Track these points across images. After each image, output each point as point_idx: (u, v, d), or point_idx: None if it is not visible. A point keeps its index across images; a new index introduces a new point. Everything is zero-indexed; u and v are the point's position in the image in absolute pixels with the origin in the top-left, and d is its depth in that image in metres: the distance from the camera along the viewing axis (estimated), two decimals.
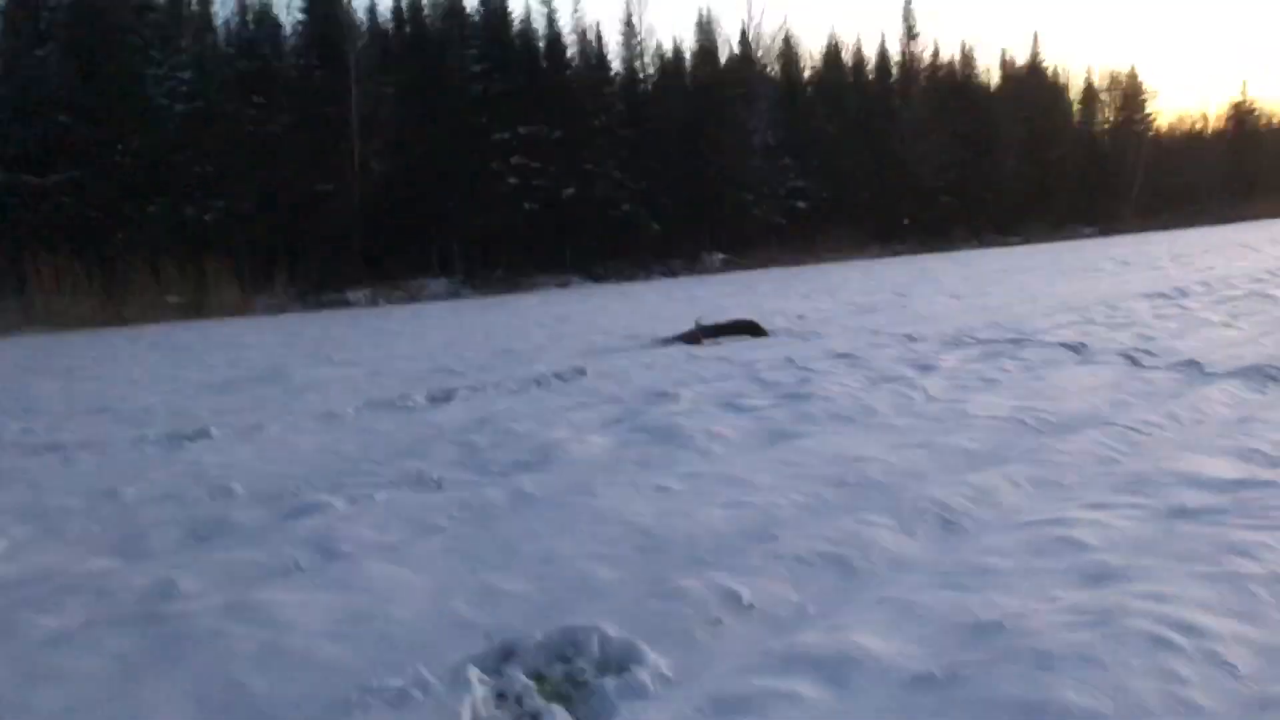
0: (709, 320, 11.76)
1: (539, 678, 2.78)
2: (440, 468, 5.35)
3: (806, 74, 44.71)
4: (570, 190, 33.67)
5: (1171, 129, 61.06)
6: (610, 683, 2.72)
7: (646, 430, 6.05)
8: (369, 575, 3.61)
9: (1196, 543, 3.45)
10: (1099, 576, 3.19)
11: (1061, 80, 54.12)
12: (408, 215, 30.93)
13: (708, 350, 10.35)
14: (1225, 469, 4.43)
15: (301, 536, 4.17)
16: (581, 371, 9.08)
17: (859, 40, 57.72)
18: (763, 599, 3.22)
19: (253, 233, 27.91)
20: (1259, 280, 14.30)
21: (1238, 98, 62.47)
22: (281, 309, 25.44)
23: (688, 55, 41.57)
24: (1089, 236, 42.57)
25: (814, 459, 5.03)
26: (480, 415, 7.09)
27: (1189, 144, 59.30)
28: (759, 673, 2.72)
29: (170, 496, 5.11)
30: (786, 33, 44.14)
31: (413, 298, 28.17)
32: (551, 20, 36.64)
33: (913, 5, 55.88)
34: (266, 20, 33.23)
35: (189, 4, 32.79)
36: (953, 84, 48.05)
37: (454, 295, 28.73)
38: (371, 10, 35.65)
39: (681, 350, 10.47)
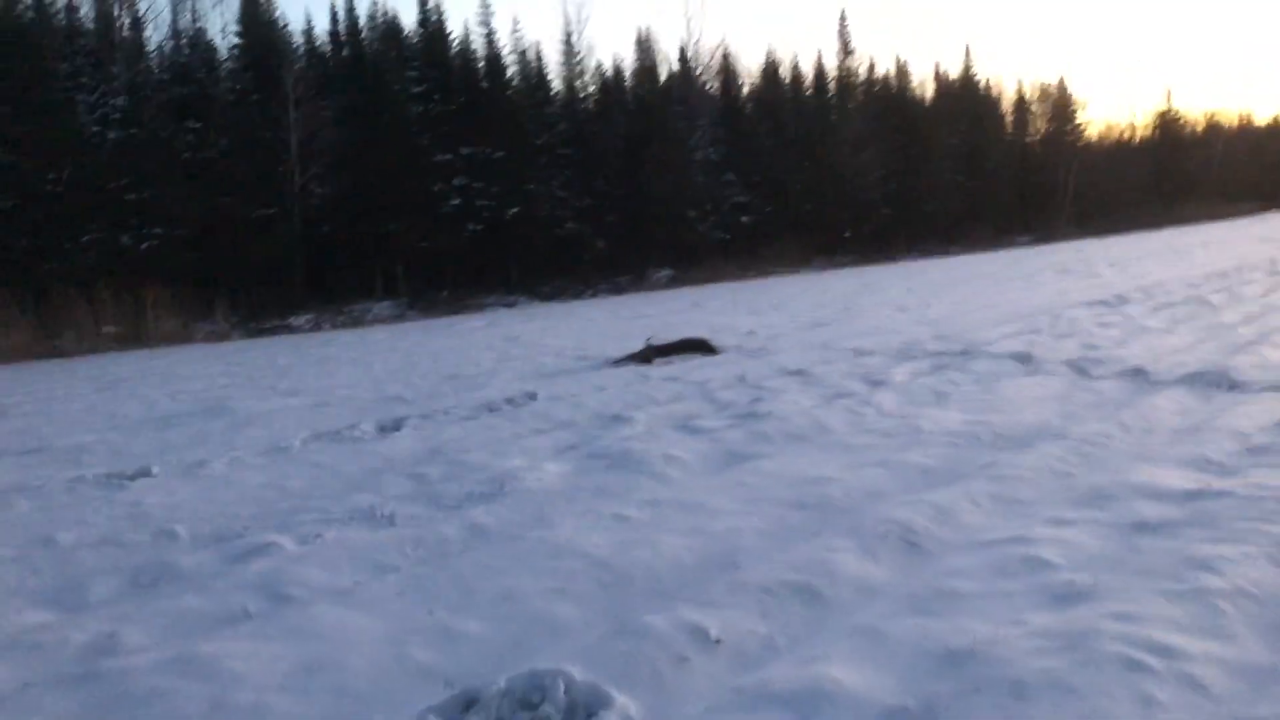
0: (660, 339, 11.71)
1: None
2: (392, 502, 5.21)
3: (745, 90, 45.10)
4: (514, 210, 33.50)
5: (1101, 138, 62.74)
6: None
7: (602, 456, 5.97)
8: (321, 621, 3.48)
9: (1159, 558, 3.47)
10: (1066, 597, 3.19)
11: (994, 92, 55.25)
12: (351, 238, 30.59)
13: (659, 370, 10.29)
14: (1180, 480, 4.47)
15: (250, 581, 4.02)
16: (533, 396, 8.96)
17: (796, 57, 58.14)
18: (730, 633, 3.15)
19: (191, 260, 27.36)
20: (1194, 285, 14.65)
21: (1163, 107, 64.48)
22: (223, 337, 24.91)
23: (628, 73, 41.73)
24: (1025, 245, 43.33)
25: (772, 481, 4.99)
26: (431, 445, 6.95)
27: (1118, 152, 60.90)
28: (731, 712, 2.66)
29: (110, 541, 4.89)
30: (725, 50, 44.37)
31: (357, 322, 27.79)
32: (491, 40, 36.49)
33: (848, 22, 56.75)
34: (201, 44, 32.67)
35: (120, 30, 32.11)
36: (888, 98, 48.74)
37: (399, 318, 28.39)
38: (309, 32, 35.07)
39: (633, 370, 10.39)
